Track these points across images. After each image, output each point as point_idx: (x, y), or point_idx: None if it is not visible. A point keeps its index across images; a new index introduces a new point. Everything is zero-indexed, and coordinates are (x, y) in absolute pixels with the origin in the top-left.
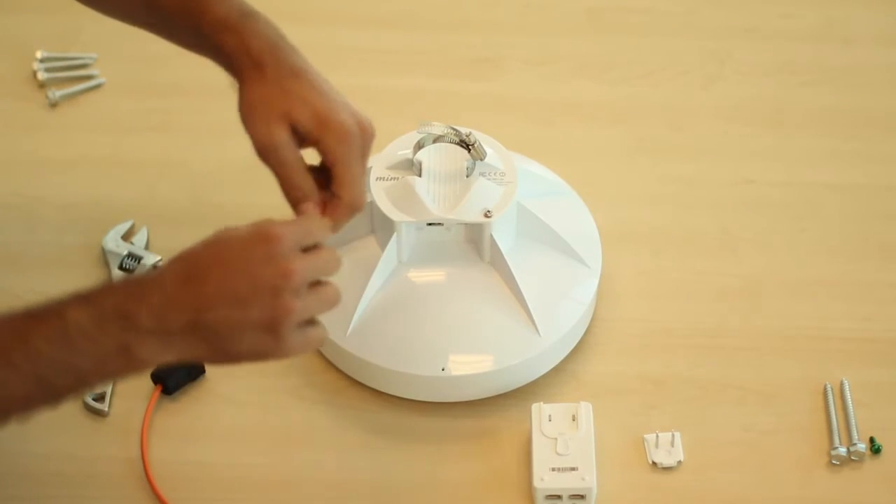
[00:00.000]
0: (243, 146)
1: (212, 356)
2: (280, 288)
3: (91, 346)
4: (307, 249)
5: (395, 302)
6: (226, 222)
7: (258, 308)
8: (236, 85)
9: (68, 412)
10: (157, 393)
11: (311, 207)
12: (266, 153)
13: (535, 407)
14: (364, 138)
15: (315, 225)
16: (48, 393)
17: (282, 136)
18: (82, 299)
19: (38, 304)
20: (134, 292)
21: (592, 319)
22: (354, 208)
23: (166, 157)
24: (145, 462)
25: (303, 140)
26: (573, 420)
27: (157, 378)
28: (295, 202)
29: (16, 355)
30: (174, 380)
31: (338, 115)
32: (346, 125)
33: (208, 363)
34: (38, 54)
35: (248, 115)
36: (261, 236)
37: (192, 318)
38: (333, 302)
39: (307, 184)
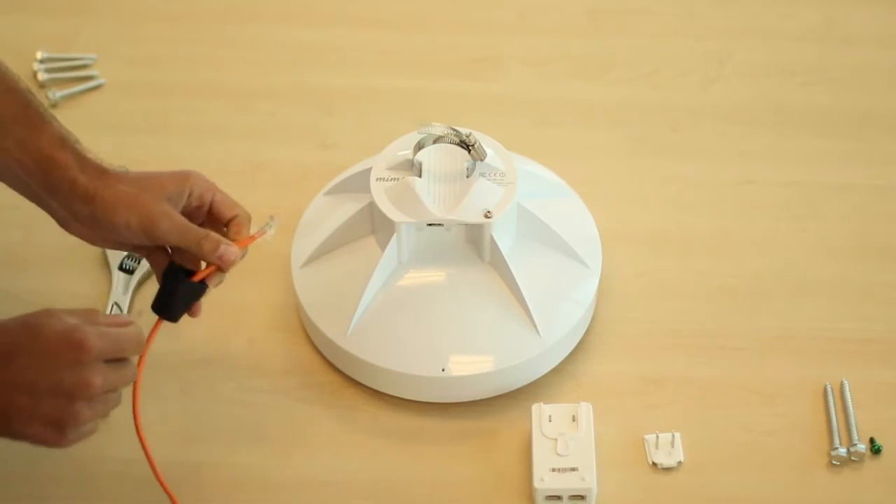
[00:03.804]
0: (243, 146)
1: None
2: (76, 396)
3: None
4: (114, 360)
5: (395, 302)
6: None
7: (50, 406)
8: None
9: None
10: (160, 324)
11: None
12: (167, 230)
13: (535, 407)
14: None
15: (128, 340)
16: None
17: (169, 207)
18: None
19: None
20: None
21: (592, 320)
22: (249, 217)
23: (166, 157)
24: (136, 405)
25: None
26: (573, 420)
27: (159, 310)
28: (213, 248)
29: None
30: (175, 309)
31: (183, 170)
32: (195, 171)
33: None
34: (39, 55)
35: (127, 209)
36: (73, 342)
37: None
38: (129, 381)
39: (205, 230)
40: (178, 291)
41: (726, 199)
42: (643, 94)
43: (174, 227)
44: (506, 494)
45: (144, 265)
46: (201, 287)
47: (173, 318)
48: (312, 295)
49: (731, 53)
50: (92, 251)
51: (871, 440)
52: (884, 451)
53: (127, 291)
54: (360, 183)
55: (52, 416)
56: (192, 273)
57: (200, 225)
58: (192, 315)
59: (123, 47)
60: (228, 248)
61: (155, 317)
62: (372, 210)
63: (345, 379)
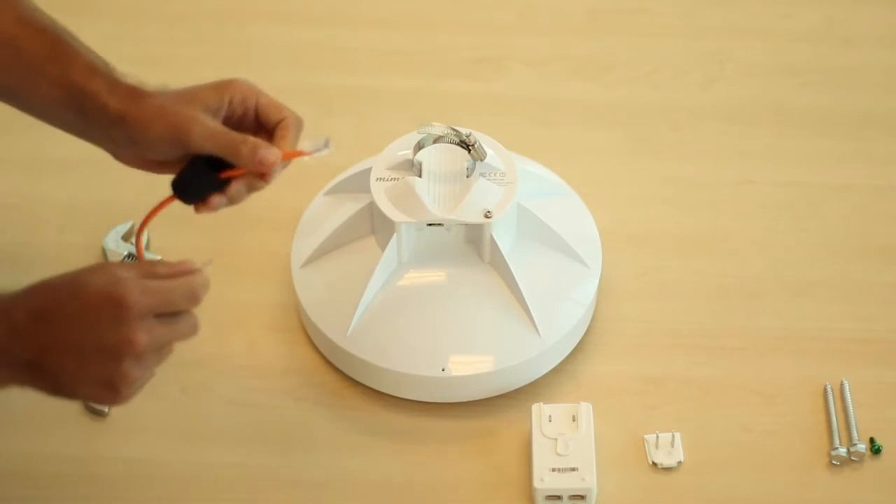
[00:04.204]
0: None
1: (49, 393)
2: (122, 355)
3: None
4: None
5: (395, 302)
6: (226, 222)
7: (97, 367)
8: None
9: (68, 412)
10: (170, 199)
11: (196, 266)
12: (200, 136)
13: (535, 407)
14: None
15: (177, 293)
16: None
17: (203, 115)
18: None
19: None
20: None
21: (592, 320)
22: (301, 121)
23: None
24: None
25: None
26: (573, 420)
27: (174, 186)
28: (251, 153)
29: None
30: (193, 190)
31: (225, 79)
32: (239, 78)
33: (46, 394)
34: None
35: (157, 121)
36: (112, 299)
37: (35, 356)
38: (188, 335)
39: (242, 135)
40: (198, 176)
41: (726, 199)
42: (643, 94)
43: (208, 133)
44: (506, 494)
45: None
46: (224, 182)
47: (186, 199)
48: (312, 295)
49: (731, 53)
50: (92, 251)
51: (871, 440)
52: (884, 451)
53: None
54: (360, 183)
55: (101, 377)
56: (222, 167)
57: (252, 134)
58: (208, 208)
59: (123, 47)
60: (269, 151)
61: None
62: (372, 210)
63: (345, 379)
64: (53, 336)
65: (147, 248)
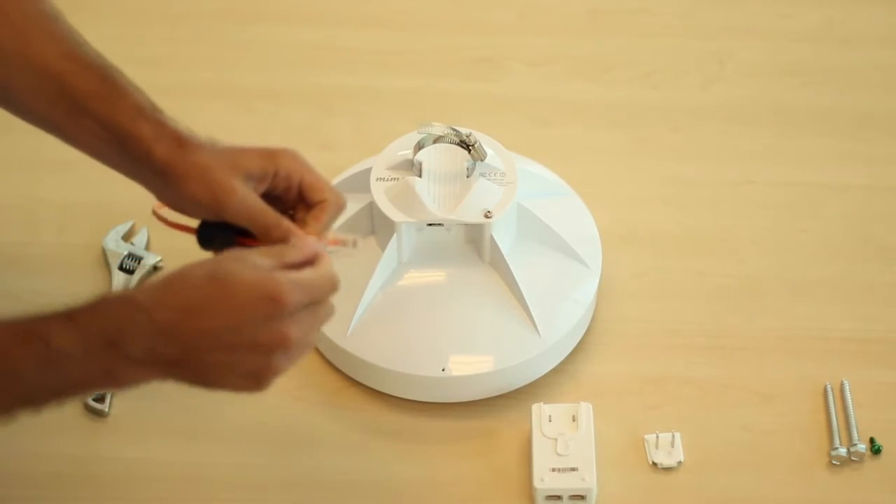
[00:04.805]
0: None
1: (194, 384)
2: (274, 350)
3: (75, 369)
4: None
5: (395, 302)
6: None
7: (247, 361)
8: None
9: (68, 412)
10: (187, 231)
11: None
12: (234, 210)
13: (535, 407)
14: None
15: (323, 286)
16: (28, 406)
17: (243, 186)
18: (67, 321)
19: (21, 319)
20: (122, 319)
21: (592, 320)
22: (342, 204)
23: None
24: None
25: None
26: (573, 420)
27: (200, 233)
28: (281, 238)
29: None
30: (211, 242)
31: (274, 147)
32: (288, 149)
33: (188, 386)
34: None
35: (196, 182)
36: (267, 296)
37: (182, 353)
38: (325, 321)
39: (278, 217)
40: (222, 233)
41: (726, 199)
42: (643, 94)
43: (244, 208)
44: (506, 494)
45: (144, 265)
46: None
47: (202, 244)
48: None
49: (731, 53)
50: (92, 251)
51: (872, 440)
52: (884, 451)
53: None
54: (360, 183)
55: (250, 370)
56: (246, 234)
57: (292, 208)
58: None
59: (123, 47)
60: (297, 243)
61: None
62: (372, 210)
63: (345, 379)
64: (202, 333)
65: (147, 247)
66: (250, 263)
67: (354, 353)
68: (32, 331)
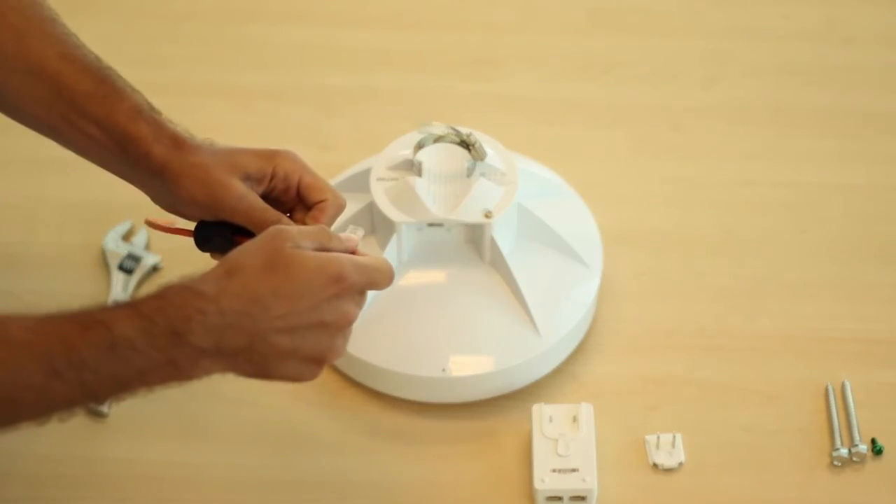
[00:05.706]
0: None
1: (252, 375)
2: (337, 329)
3: (138, 359)
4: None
5: (395, 303)
6: None
7: (313, 343)
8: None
9: None
10: (186, 235)
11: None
12: (232, 208)
13: (535, 408)
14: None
15: (382, 274)
16: (90, 398)
17: (242, 185)
18: (132, 310)
19: (84, 309)
20: (187, 309)
21: (593, 320)
22: (341, 204)
23: None
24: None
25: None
26: (574, 421)
27: (197, 234)
28: None
29: (59, 363)
30: (208, 243)
31: (272, 148)
32: (286, 150)
33: (244, 377)
34: None
35: (194, 181)
36: (333, 276)
37: (249, 342)
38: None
39: (278, 214)
40: (219, 236)
41: (726, 199)
42: (643, 94)
43: (240, 205)
44: (506, 495)
45: (144, 265)
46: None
47: (199, 245)
48: None
49: (731, 53)
50: (92, 251)
51: (873, 441)
52: (885, 451)
53: (126, 291)
54: (360, 183)
55: (313, 353)
56: (243, 233)
57: (291, 209)
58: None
59: (123, 47)
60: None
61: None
62: (372, 210)
63: (345, 379)
64: (268, 321)
65: (147, 248)
66: (302, 244)
67: (354, 354)
68: (95, 318)
